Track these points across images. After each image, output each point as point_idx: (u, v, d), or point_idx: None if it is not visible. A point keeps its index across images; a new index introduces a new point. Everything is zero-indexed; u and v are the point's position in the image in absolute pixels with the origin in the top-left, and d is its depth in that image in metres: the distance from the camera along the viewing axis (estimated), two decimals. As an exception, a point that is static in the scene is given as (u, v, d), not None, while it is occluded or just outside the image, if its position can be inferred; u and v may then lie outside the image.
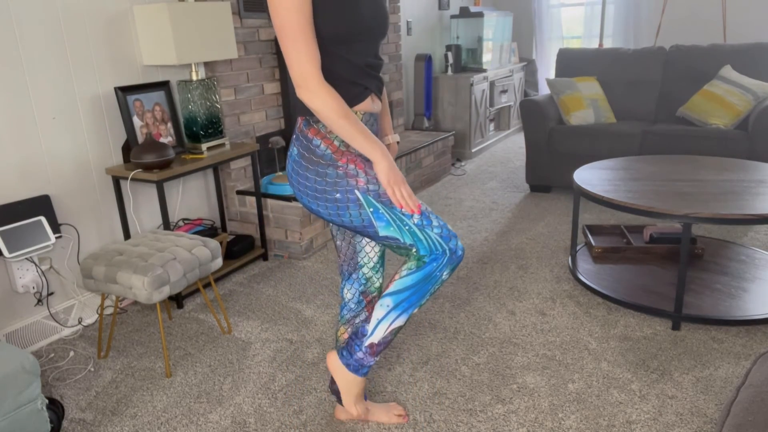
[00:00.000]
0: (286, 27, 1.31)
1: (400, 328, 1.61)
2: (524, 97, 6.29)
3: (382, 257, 1.81)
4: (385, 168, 1.43)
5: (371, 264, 1.79)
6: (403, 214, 1.47)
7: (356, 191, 1.46)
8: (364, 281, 1.81)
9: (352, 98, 1.48)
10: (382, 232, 1.48)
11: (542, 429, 1.79)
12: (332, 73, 1.44)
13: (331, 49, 1.40)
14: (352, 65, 1.44)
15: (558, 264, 2.97)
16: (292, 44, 1.32)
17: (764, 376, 1.19)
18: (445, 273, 1.54)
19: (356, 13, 1.37)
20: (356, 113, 1.50)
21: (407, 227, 1.47)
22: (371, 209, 1.46)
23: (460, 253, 1.54)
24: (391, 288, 1.57)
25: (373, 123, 1.57)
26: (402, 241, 1.48)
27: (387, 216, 1.47)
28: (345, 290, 1.85)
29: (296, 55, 1.32)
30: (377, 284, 1.84)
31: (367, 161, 1.50)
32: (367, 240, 1.75)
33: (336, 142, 1.49)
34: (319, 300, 2.70)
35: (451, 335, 2.34)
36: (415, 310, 1.59)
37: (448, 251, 1.52)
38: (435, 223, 1.50)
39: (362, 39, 1.42)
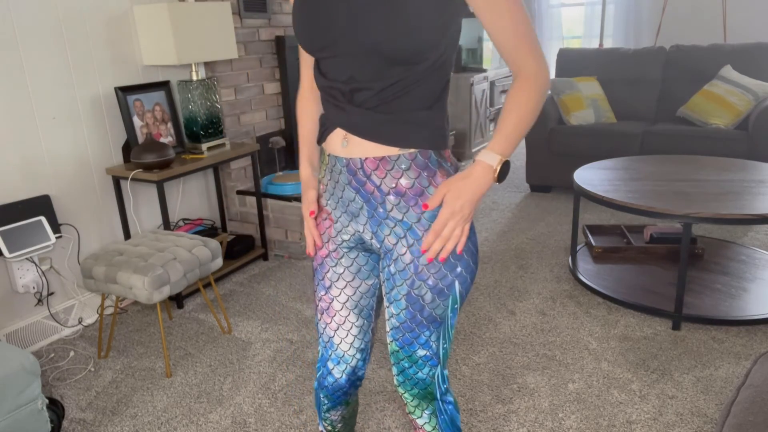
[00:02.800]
0: None
1: None
2: (524, 97, 6.27)
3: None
4: None
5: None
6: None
7: None
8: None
9: (320, 130, 1.14)
10: None
11: (542, 429, 1.79)
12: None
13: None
14: (320, 87, 1.10)
15: (558, 264, 2.97)
16: None
17: (764, 376, 1.19)
18: (321, 395, 1.30)
19: (295, 24, 1.08)
20: (323, 150, 1.17)
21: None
22: None
23: (324, 383, 1.27)
24: None
25: (342, 171, 1.09)
26: None
27: None
28: None
29: None
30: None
31: (325, 217, 1.18)
32: None
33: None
34: (320, 300, 2.70)
35: (452, 335, 2.34)
36: None
37: (317, 372, 1.30)
38: (320, 343, 1.27)
39: (316, 56, 1.06)
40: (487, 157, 1.00)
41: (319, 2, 1.00)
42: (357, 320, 1.21)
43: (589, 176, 2.67)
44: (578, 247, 3.03)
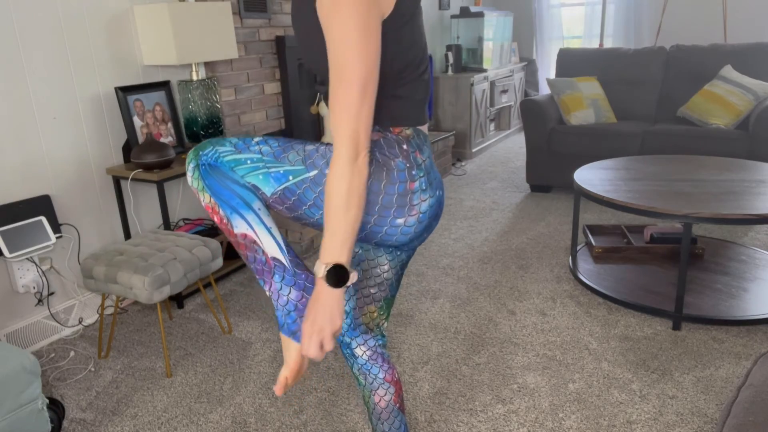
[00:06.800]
0: None
1: None
2: (525, 97, 6.29)
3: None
4: None
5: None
6: None
7: None
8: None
9: None
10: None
11: (543, 429, 1.79)
12: None
13: None
14: None
15: (558, 264, 2.97)
16: None
17: (765, 376, 1.19)
18: None
19: None
20: None
21: None
22: None
23: None
24: None
25: None
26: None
27: None
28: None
29: None
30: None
31: None
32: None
33: None
34: (320, 300, 2.69)
35: (451, 335, 2.34)
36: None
37: None
38: None
39: None
40: (317, 269, 0.95)
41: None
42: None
43: (589, 176, 2.67)
44: (578, 247, 3.03)
